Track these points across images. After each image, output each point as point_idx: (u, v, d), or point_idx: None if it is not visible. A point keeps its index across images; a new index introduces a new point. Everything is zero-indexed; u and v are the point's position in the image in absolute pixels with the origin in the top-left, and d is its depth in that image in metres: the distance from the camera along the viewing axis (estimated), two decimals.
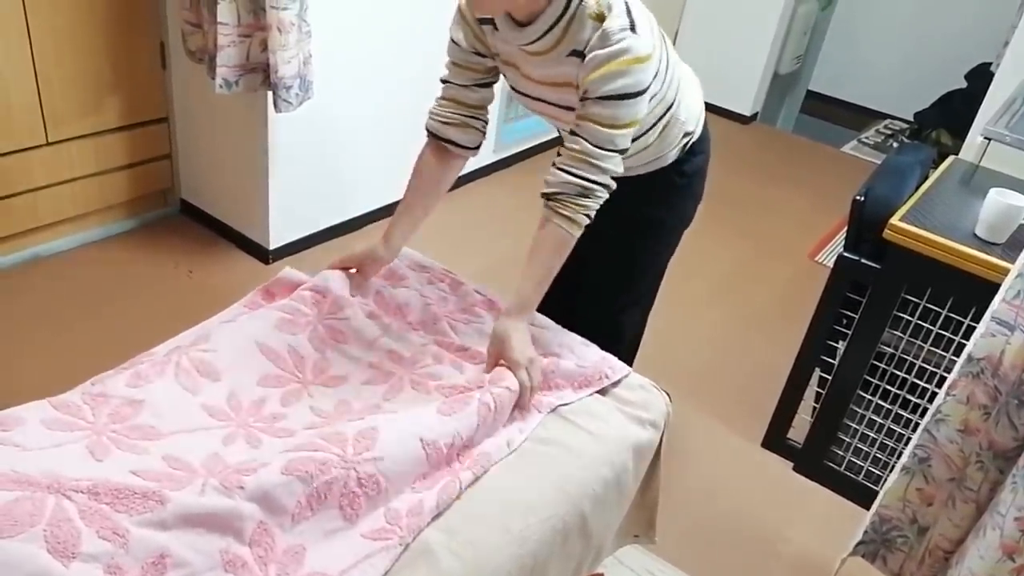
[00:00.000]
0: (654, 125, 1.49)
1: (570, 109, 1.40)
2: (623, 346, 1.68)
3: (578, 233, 1.39)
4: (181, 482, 1.05)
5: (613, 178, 1.37)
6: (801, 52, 4.73)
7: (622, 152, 1.37)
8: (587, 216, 1.38)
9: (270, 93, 2.33)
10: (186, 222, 2.87)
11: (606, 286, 1.72)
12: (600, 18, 1.29)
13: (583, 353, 1.50)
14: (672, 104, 1.50)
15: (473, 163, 3.37)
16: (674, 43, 4.52)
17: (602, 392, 1.45)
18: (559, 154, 1.38)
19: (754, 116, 4.59)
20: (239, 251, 2.76)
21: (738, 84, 4.47)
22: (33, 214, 2.47)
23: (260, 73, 2.32)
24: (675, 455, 1.65)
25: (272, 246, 2.70)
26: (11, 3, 2.17)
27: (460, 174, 3.47)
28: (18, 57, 2.24)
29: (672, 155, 1.61)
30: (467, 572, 1.10)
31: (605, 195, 1.38)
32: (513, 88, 1.52)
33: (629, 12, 1.30)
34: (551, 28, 1.32)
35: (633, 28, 1.29)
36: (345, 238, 2.90)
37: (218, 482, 1.04)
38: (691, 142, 1.63)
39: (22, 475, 0.99)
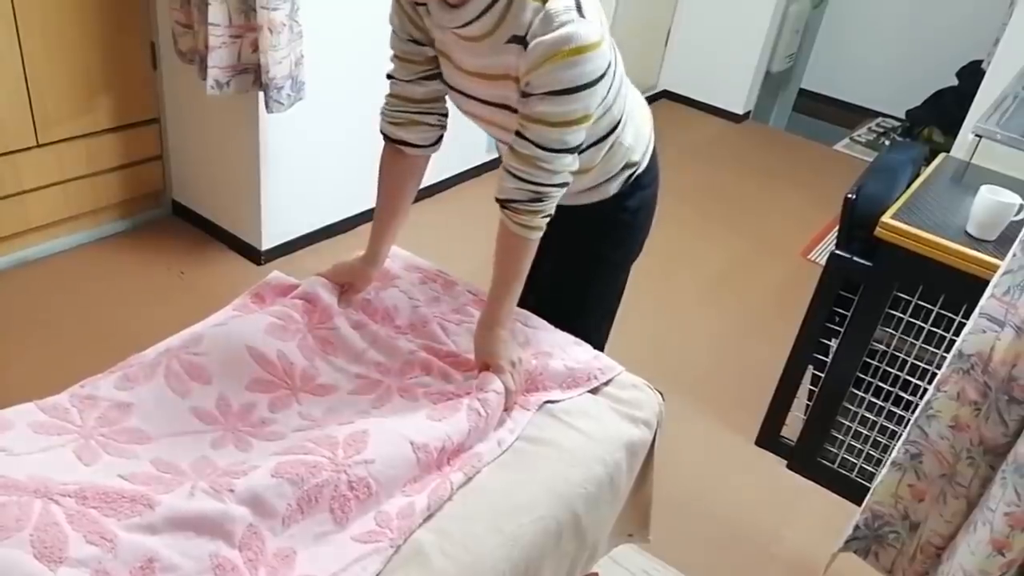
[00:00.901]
0: (599, 142, 1.38)
1: (507, 108, 1.28)
2: None
3: (538, 236, 1.32)
4: (170, 485, 1.04)
5: (570, 173, 1.28)
6: (793, 50, 4.74)
7: (574, 150, 1.26)
8: (545, 216, 1.31)
9: (261, 94, 2.32)
10: (178, 223, 2.86)
11: (559, 316, 1.61)
12: None
13: (575, 353, 1.49)
14: (618, 124, 1.39)
15: (466, 163, 3.41)
16: (666, 42, 4.53)
17: (594, 391, 1.45)
18: (509, 151, 1.28)
19: (747, 114, 4.59)
20: (231, 252, 2.75)
21: (730, 82, 4.48)
22: (24, 216, 2.46)
23: (251, 74, 2.32)
24: (668, 454, 1.65)
25: (264, 247, 2.69)
26: (1, 3, 2.16)
27: (453, 174, 3.49)
28: (8, 59, 2.23)
29: (614, 187, 1.49)
30: (460, 573, 1.09)
31: (561, 192, 1.29)
32: (448, 85, 1.38)
33: None
34: (487, 9, 1.18)
35: (579, 9, 1.15)
36: (338, 239, 2.89)
37: (207, 485, 1.04)
38: (636, 174, 1.50)
39: (9, 480, 0.98)
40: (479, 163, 3.47)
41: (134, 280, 2.55)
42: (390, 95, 1.43)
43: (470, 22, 1.20)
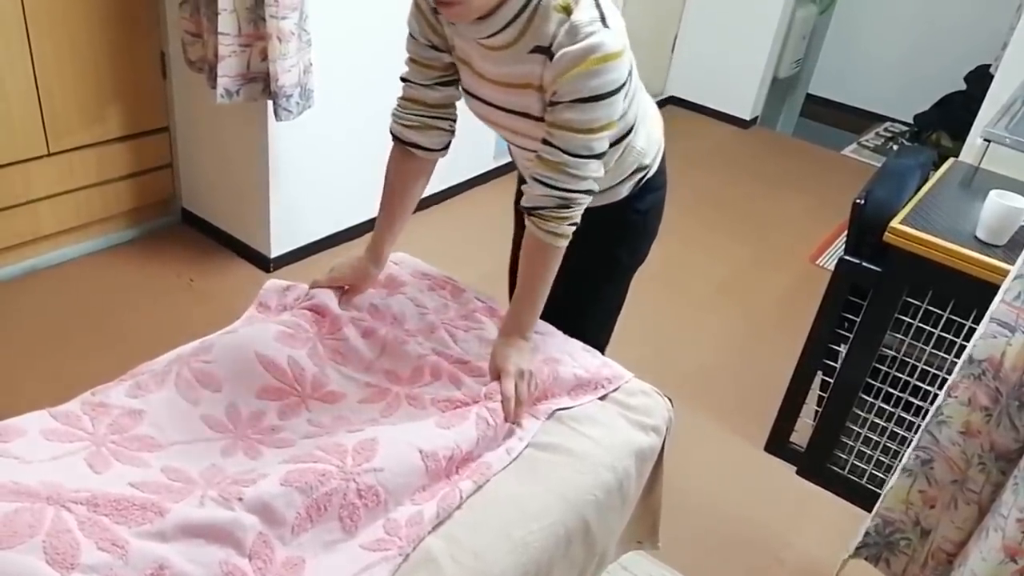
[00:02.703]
0: (612, 146, 1.37)
1: (527, 116, 1.31)
2: None
3: (564, 243, 1.34)
4: (180, 494, 1.05)
5: (595, 180, 1.31)
6: (800, 56, 4.74)
7: (599, 156, 1.28)
8: (572, 224, 1.32)
9: (270, 102, 2.34)
10: (187, 231, 2.87)
11: (565, 316, 1.61)
12: (567, 10, 1.19)
13: (584, 360, 1.49)
14: (631, 129, 1.41)
15: (473, 170, 3.42)
16: (673, 48, 4.53)
17: (603, 398, 1.45)
18: (537, 160, 1.30)
19: (754, 120, 4.59)
20: (240, 260, 2.76)
21: (737, 88, 4.48)
22: (34, 225, 2.47)
23: (260, 82, 2.33)
24: (677, 460, 1.65)
25: (273, 254, 2.70)
26: (12, 13, 2.18)
27: (460, 181, 3.51)
28: (19, 67, 2.25)
29: (625, 190, 1.51)
30: None
31: (587, 200, 1.32)
32: (466, 91, 1.40)
33: (598, 4, 1.20)
34: (513, 20, 1.21)
35: (603, 20, 1.19)
36: (345, 246, 2.90)
37: (217, 493, 1.04)
38: (646, 177, 1.53)
39: (22, 486, 0.99)
40: (486, 170, 3.48)
41: (144, 288, 2.56)
42: (403, 98, 1.45)
43: (495, 33, 1.24)
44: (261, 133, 2.48)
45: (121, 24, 2.44)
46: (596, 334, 1.66)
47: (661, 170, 1.58)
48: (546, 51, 1.22)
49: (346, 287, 1.52)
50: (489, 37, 1.25)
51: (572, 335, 1.58)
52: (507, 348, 1.37)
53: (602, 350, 1.75)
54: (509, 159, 3.54)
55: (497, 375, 1.36)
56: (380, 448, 1.17)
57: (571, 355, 1.50)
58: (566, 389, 1.42)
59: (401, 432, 1.23)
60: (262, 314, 1.50)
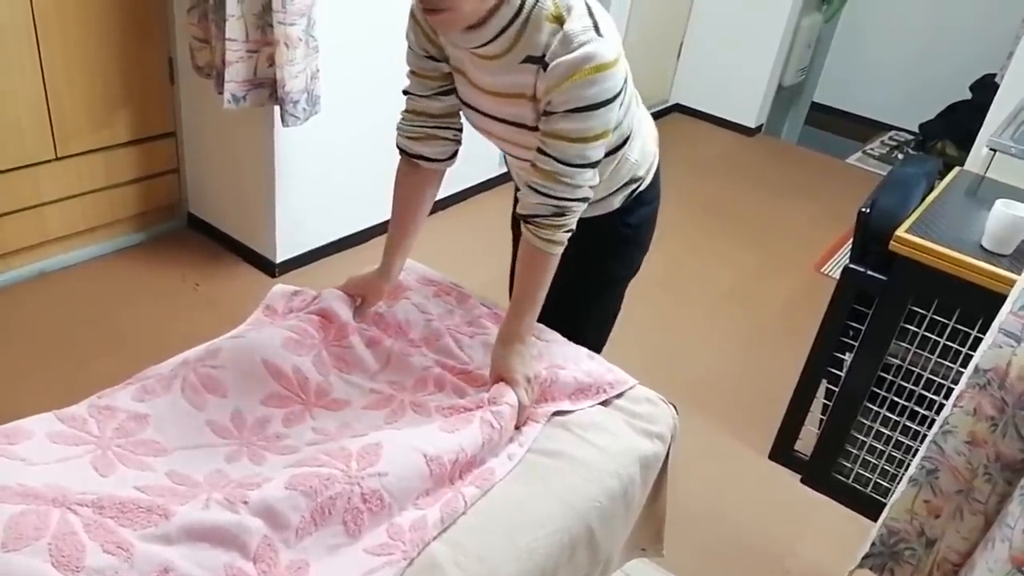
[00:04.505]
0: (607, 156, 1.37)
1: (521, 126, 1.31)
2: None
3: (559, 250, 1.34)
4: (185, 497, 1.05)
5: (590, 188, 1.30)
6: (805, 64, 4.74)
7: (594, 165, 1.28)
8: (567, 231, 1.32)
9: (277, 108, 2.35)
10: (193, 236, 2.88)
11: (557, 327, 1.60)
12: (559, 20, 1.18)
13: (588, 366, 1.49)
14: (627, 139, 1.41)
15: (479, 176, 3.43)
16: (678, 55, 4.54)
17: (608, 404, 1.45)
18: (531, 168, 1.30)
19: (759, 128, 4.59)
20: (246, 264, 2.77)
21: (742, 96, 4.48)
22: (42, 228, 2.49)
23: (267, 88, 2.34)
24: (682, 468, 1.64)
25: (279, 259, 2.71)
26: (21, 18, 2.20)
27: (466, 187, 3.51)
28: (28, 72, 2.27)
29: (616, 202, 1.51)
30: None
31: (583, 207, 1.32)
32: (462, 101, 1.40)
33: (591, 13, 1.20)
34: (504, 30, 1.20)
35: (597, 29, 1.18)
36: (352, 251, 2.91)
37: (222, 497, 1.04)
38: (639, 190, 1.52)
39: (28, 488, 0.99)
40: (492, 176, 3.49)
41: (150, 292, 2.57)
42: (407, 111, 1.45)
43: (486, 43, 1.23)
44: (268, 138, 2.49)
45: (129, 29, 2.45)
46: (592, 345, 1.64)
47: (654, 183, 1.58)
48: (539, 60, 1.21)
49: (357, 300, 1.52)
50: (481, 47, 1.24)
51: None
52: (508, 355, 1.37)
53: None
54: None
55: (497, 380, 1.36)
56: (384, 452, 1.17)
57: (575, 362, 1.50)
58: (567, 393, 1.42)
59: (405, 436, 1.23)
60: (268, 318, 1.50)
